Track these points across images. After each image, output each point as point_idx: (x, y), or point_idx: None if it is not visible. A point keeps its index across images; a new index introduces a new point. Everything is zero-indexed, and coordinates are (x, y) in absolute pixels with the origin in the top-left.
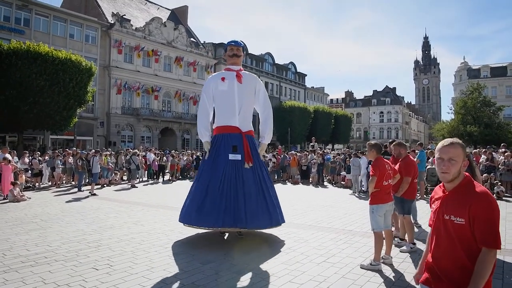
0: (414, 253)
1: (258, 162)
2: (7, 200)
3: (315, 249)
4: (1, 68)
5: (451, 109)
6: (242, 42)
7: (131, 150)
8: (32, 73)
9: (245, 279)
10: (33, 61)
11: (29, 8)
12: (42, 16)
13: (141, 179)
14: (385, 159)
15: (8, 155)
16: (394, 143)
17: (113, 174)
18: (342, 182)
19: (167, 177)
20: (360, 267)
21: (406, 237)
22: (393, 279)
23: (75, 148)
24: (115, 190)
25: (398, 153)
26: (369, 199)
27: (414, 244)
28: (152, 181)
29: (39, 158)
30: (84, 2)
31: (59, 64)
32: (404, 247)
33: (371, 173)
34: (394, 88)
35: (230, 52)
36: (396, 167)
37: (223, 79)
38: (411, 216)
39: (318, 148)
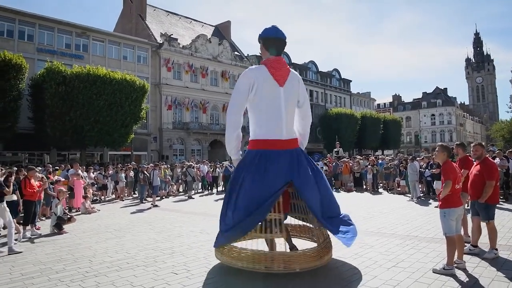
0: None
1: None
2: (80, 212)
3: (382, 254)
4: (65, 91)
5: (510, 108)
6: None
7: (187, 163)
8: (92, 94)
9: (319, 281)
10: (93, 83)
11: (87, 35)
12: (98, 41)
13: (197, 191)
14: (453, 162)
15: (79, 171)
16: (475, 143)
17: (170, 186)
18: (398, 189)
19: (220, 188)
20: (433, 272)
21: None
22: (469, 284)
23: (134, 163)
24: (174, 202)
25: (480, 154)
26: (439, 203)
27: (497, 250)
28: (207, 192)
29: (103, 173)
30: (135, 25)
31: (116, 85)
32: (487, 254)
33: (444, 176)
34: (445, 89)
35: None
36: (476, 169)
37: None
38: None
39: (343, 154)
